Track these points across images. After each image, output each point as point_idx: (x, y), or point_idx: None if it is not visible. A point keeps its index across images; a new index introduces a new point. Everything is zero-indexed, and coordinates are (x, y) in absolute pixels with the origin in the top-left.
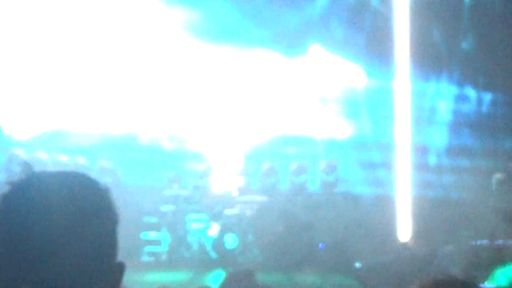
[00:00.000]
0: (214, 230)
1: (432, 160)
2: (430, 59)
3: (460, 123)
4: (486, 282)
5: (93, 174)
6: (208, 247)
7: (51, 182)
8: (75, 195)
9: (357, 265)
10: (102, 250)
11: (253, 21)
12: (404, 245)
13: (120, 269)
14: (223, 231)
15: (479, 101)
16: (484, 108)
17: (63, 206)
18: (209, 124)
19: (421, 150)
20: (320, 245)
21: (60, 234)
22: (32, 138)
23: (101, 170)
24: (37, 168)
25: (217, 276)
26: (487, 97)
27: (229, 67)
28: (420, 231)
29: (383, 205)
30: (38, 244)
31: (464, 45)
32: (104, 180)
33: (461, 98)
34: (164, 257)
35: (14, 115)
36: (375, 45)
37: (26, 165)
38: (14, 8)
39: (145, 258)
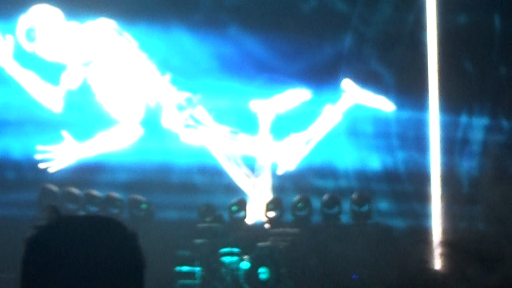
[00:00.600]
0: (247, 262)
1: (464, 191)
2: (461, 90)
3: (492, 153)
4: None
5: (126, 208)
6: (241, 280)
7: (78, 227)
8: (102, 240)
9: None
10: None
11: (284, 57)
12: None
13: None
14: (256, 263)
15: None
16: None
17: (90, 252)
18: (241, 156)
19: (453, 181)
20: (353, 276)
21: (87, 280)
22: (65, 173)
23: (133, 204)
24: (69, 203)
25: None
26: None
27: (259, 100)
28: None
29: (415, 237)
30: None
31: (496, 74)
32: (137, 214)
33: (493, 129)
34: None
35: (48, 147)
36: (406, 78)
37: (53, 208)
38: None
39: None
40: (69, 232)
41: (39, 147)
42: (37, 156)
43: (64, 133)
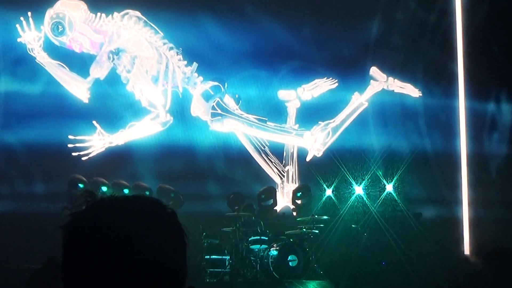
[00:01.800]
0: (276, 250)
1: (492, 175)
2: (489, 76)
3: None
4: None
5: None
6: (270, 268)
7: (116, 208)
8: (143, 220)
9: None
10: (173, 275)
11: (312, 45)
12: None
13: None
14: (285, 251)
15: None
16: None
17: (131, 232)
18: (269, 144)
19: (481, 166)
20: (383, 262)
21: (130, 261)
22: (95, 163)
23: (162, 193)
24: (97, 194)
25: None
26: None
27: (287, 88)
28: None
29: (444, 222)
30: (111, 269)
31: None
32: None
33: None
34: (226, 278)
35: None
36: (433, 64)
37: (89, 193)
38: None
39: (208, 280)
40: (108, 214)
41: (71, 137)
42: (69, 145)
43: (95, 123)
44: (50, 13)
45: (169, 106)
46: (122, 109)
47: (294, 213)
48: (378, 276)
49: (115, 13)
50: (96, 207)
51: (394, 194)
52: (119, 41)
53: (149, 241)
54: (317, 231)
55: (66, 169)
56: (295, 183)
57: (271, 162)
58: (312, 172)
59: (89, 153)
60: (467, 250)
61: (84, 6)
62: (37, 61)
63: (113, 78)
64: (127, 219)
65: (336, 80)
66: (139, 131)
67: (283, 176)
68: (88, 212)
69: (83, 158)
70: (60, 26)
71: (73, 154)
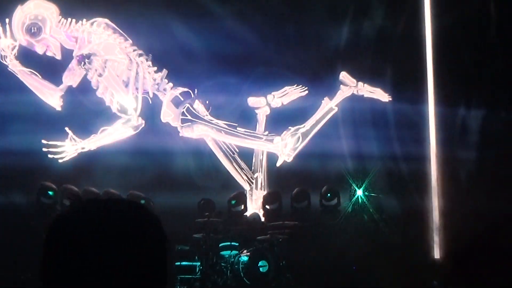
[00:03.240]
0: (246, 256)
1: (459, 178)
2: (457, 81)
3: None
4: None
5: None
6: (241, 274)
7: (99, 210)
8: (125, 223)
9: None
10: (154, 280)
11: (282, 50)
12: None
13: None
14: (255, 257)
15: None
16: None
17: (113, 234)
18: (239, 150)
19: (451, 171)
20: (353, 267)
21: (113, 261)
22: (65, 170)
23: (132, 199)
24: (67, 200)
25: None
26: None
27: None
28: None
29: (415, 225)
30: (89, 270)
31: (492, 65)
32: None
33: (486, 119)
34: (197, 284)
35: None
36: (402, 69)
37: (74, 196)
38: None
39: (179, 286)
40: (91, 215)
41: (44, 141)
42: (44, 149)
43: (67, 129)
44: (24, 12)
45: (140, 111)
46: (94, 116)
47: (263, 219)
48: (349, 281)
49: (85, 19)
50: (80, 208)
51: (364, 199)
52: (89, 46)
53: (130, 244)
54: (287, 237)
55: (36, 176)
56: (264, 190)
57: (240, 168)
58: (281, 179)
59: (63, 158)
60: (437, 254)
61: (57, 10)
62: (9, 69)
63: (86, 86)
64: (110, 220)
65: (306, 88)
66: (111, 136)
67: (252, 183)
68: (71, 212)
69: (60, 161)
70: (34, 28)
71: (49, 156)
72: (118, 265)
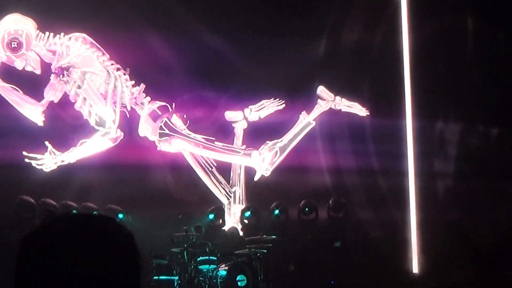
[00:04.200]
0: (224, 270)
1: (438, 192)
2: (435, 95)
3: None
4: None
5: None
6: None
7: (73, 225)
8: (98, 239)
9: None
10: None
11: (259, 64)
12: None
13: None
14: (234, 271)
15: (484, 135)
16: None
17: (85, 250)
18: (217, 164)
19: (429, 185)
20: (331, 282)
21: (82, 278)
22: (43, 184)
23: (110, 213)
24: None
25: None
26: (493, 131)
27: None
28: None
29: (392, 241)
30: (62, 285)
31: (469, 78)
32: None
33: (465, 133)
34: None
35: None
36: (380, 83)
37: (49, 212)
38: None
39: None
40: (63, 230)
41: (24, 153)
42: (26, 160)
43: (47, 143)
44: (3, 27)
45: (118, 123)
46: (73, 129)
47: (241, 233)
48: None
49: (63, 34)
50: (52, 223)
51: (342, 214)
52: (68, 58)
53: (102, 260)
54: (265, 251)
55: (15, 190)
56: (242, 203)
57: (218, 182)
58: (259, 193)
59: (45, 169)
60: (415, 269)
61: (34, 24)
62: None
63: (64, 99)
64: (82, 236)
65: (283, 101)
66: (90, 148)
67: (230, 197)
68: (42, 228)
69: (44, 170)
70: (15, 43)
71: (34, 165)
72: (89, 281)
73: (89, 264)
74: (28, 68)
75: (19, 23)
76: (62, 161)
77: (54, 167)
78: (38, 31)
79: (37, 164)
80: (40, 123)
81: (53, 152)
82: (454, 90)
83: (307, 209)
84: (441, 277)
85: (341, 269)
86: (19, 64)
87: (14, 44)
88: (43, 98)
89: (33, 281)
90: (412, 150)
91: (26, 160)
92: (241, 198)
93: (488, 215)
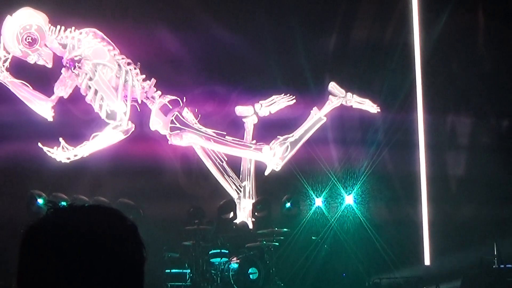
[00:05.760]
0: (236, 263)
1: (450, 188)
2: (447, 90)
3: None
4: None
5: None
6: (231, 281)
7: (76, 217)
8: (102, 230)
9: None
10: (130, 285)
11: (270, 60)
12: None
13: None
14: (245, 264)
15: (496, 130)
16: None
17: (91, 241)
18: (227, 158)
19: (439, 179)
20: (343, 274)
21: (85, 270)
22: (54, 178)
23: (122, 207)
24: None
25: None
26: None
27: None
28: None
29: (404, 234)
30: (64, 277)
31: (480, 73)
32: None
33: (479, 127)
34: None
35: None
36: (391, 79)
37: (53, 203)
38: None
39: None
40: (66, 222)
41: (39, 144)
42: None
43: (61, 140)
44: (17, 22)
45: (129, 116)
46: (85, 125)
47: (251, 227)
48: None
49: (74, 28)
50: (55, 215)
51: (354, 207)
52: (79, 50)
53: (105, 252)
54: (277, 244)
55: (27, 185)
56: (252, 198)
57: (229, 177)
58: (270, 187)
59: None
60: (427, 260)
61: (46, 18)
62: (0, 81)
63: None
64: (85, 227)
65: (294, 97)
66: (102, 141)
67: (240, 191)
68: (46, 219)
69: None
70: (30, 38)
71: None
72: (92, 272)
73: (92, 255)
74: (40, 62)
75: (32, 17)
76: (75, 156)
77: (67, 162)
78: (49, 24)
79: (52, 154)
80: (50, 119)
81: (66, 147)
82: (465, 86)
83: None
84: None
85: (352, 262)
86: (32, 59)
87: (29, 39)
88: (52, 93)
89: (36, 272)
90: (424, 146)
91: (44, 149)
92: (251, 193)
93: (499, 207)
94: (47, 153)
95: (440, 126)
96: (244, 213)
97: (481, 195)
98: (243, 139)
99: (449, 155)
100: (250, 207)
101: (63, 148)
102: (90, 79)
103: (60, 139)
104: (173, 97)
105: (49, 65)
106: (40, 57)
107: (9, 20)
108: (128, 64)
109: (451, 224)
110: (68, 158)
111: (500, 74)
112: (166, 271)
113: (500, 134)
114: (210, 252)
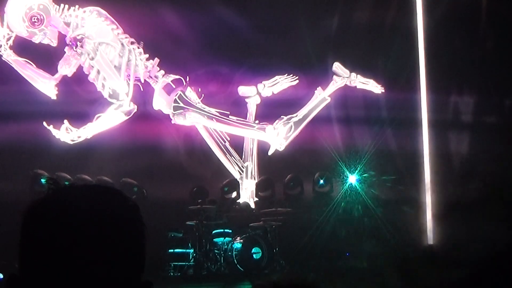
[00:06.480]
0: (239, 243)
1: (453, 166)
2: (450, 69)
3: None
4: None
5: None
6: (234, 261)
7: (77, 196)
8: (103, 209)
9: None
10: (130, 267)
11: (274, 40)
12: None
13: (147, 287)
14: (249, 244)
15: (499, 108)
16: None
17: (89, 220)
18: (230, 138)
19: (443, 158)
20: (347, 254)
21: (88, 249)
22: (57, 158)
23: (125, 187)
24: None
25: None
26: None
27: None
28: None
29: (408, 213)
30: (66, 256)
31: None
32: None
33: (481, 105)
34: (190, 271)
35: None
36: (394, 59)
37: (53, 180)
38: None
39: (172, 273)
40: (67, 200)
41: (45, 124)
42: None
43: (65, 122)
44: (23, 1)
45: (131, 96)
46: (88, 104)
47: (257, 206)
48: (342, 267)
49: (77, 6)
50: (57, 194)
51: (358, 186)
52: (82, 29)
53: (106, 230)
54: (280, 223)
55: (30, 164)
56: (254, 179)
57: (231, 157)
58: (272, 167)
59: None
60: (430, 240)
61: None
62: (3, 59)
63: (78, 72)
64: (86, 206)
65: (297, 77)
66: (105, 122)
67: (242, 171)
68: (48, 198)
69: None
70: (35, 17)
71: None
72: (93, 251)
73: (93, 234)
74: (45, 41)
75: None
76: (79, 137)
77: (71, 143)
78: (53, 3)
79: (56, 134)
80: (53, 97)
81: (69, 129)
82: (468, 66)
83: (321, 181)
84: (456, 249)
85: (355, 241)
86: (37, 38)
87: (34, 19)
88: (56, 72)
89: (37, 252)
90: (427, 126)
91: (49, 129)
92: (253, 173)
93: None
94: (52, 132)
95: (443, 105)
96: (246, 194)
97: (484, 173)
98: (247, 117)
99: (453, 134)
100: (253, 188)
101: (66, 129)
102: (92, 58)
103: (66, 121)
104: (177, 77)
105: (54, 44)
106: (46, 36)
107: (13, 0)
108: (132, 43)
109: (455, 203)
110: (73, 140)
111: (503, 53)
112: (170, 250)
113: (503, 112)
114: (213, 232)
